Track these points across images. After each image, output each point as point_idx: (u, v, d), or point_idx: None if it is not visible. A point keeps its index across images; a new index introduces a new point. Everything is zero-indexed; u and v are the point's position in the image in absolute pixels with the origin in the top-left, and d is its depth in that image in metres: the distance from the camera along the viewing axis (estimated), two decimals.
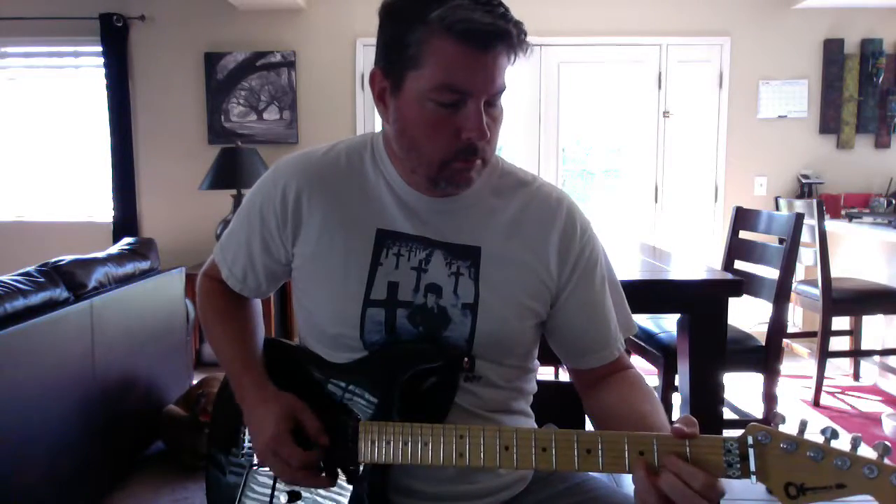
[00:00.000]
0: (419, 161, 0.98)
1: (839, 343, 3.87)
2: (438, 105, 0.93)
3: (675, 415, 2.31)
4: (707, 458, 0.81)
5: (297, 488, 1.04)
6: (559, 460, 0.87)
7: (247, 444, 1.12)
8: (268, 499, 1.07)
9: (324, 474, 0.99)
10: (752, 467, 0.79)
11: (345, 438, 0.98)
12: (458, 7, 0.89)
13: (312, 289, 1.07)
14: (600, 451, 0.85)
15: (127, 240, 2.93)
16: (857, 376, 3.83)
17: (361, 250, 1.03)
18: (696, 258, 3.45)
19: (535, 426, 1.16)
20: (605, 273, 1.12)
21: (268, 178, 1.10)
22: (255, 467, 1.10)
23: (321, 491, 1.01)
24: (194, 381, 3.02)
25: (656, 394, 1.06)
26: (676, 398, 2.27)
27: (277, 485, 1.06)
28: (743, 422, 2.63)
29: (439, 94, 0.92)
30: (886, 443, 0.74)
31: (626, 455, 0.84)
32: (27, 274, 2.15)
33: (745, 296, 2.14)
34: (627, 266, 2.29)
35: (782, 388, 3.17)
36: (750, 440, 0.80)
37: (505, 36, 0.90)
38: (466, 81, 0.91)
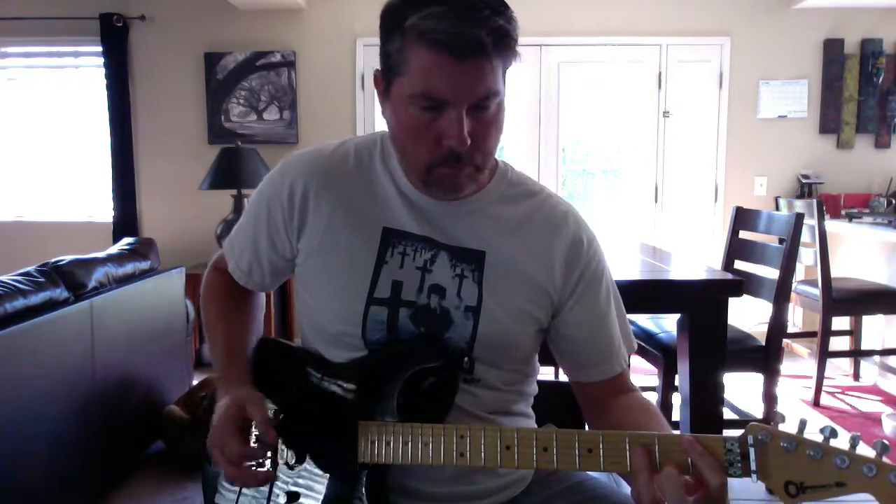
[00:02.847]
0: (408, 164, 1.00)
1: (839, 343, 3.87)
2: (420, 111, 0.93)
3: (676, 415, 2.31)
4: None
5: (295, 489, 1.04)
6: (560, 460, 0.87)
7: None
8: (265, 499, 1.07)
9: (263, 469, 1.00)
10: (753, 466, 0.80)
11: (344, 438, 0.98)
12: (432, 15, 0.87)
13: (316, 285, 1.07)
14: (602, 451, 0.85)
15: (127, 240, 2.93)
16: (857, 376, 3.83)
17: (367, 248, 1.04)
18: (696, 258, 3.45)
19: (536, 427, 1.16)
20: (609, 287, 1.11)
21: (276, 174, 1.11)
22: (252, 467, 1.10)
23: (320, 491, 1.01)
24: (194, 382, 3.02)
25: (664, 418, 1.03)
26: (676, 398, 2.27)
27: (276, 485, 1.06)
28: (743, 422, 2.63)
29: (418, 102, 0.92)
30: (885, 441, 0.74)
31: (628, 454, 0.84)
32: (27, 274, 2.15)
33: (745, 296, 2.14)
34: (627, 266, 2.29)
35: (782, 388, 3.17)
36: (750, 439, 0.80)
37: (476, 45, 0.88)
38: (442, 90, 0.90)
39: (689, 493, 0.80)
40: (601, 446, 0.85)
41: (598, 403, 1.10)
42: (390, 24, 0.93)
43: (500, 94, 0.95)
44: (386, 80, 0.97)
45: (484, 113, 0.94)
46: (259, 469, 1.00)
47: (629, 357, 1.14)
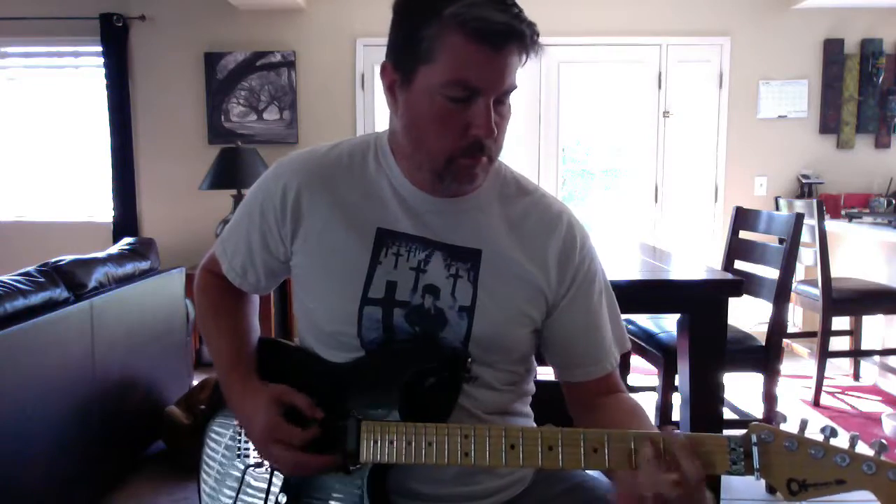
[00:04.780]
0: (426, 156, 0.98)
1: (839, 343, 3.87)
2: (448, 100, 0.93)
3: (676, 415, 2.31)
4: (712, 455, 0.82)
5: (295, 487, 1.04)
6: (566, 459, 0.87)
7: (243, 445, 1.11)
8: (263, 500, 1.06)
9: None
10: (756, 464, 0.80)
11: (345, 439, 0.98)
12: (474, 4, 0.89)
13: (311, 286, 1.07)
14: (606, 450, 0.86)
15: (127, 240, 2.93)
16: (857, 376, 3.83)
17: (361, 249, 1.04)
18: (696, 258, 3.45)
19: (535, 426, 1.16)
20: (602, 287, 1.12)
21: (270, 175, 1.11)
22: (251, 468, 1.10)
23: (322, 489, 1.01)
24: (194, 382, 3.03)
25: (651, 419, 1.05)
26: (676, 398, 2.27)
27: (274, 485, 1.06)
28: (743, 422, 2.63)
29: (450, 90, 0.92)
30: (883, 441, 0.76)
31: (633, 452, 0.85)
32: (27, 274, 2.16)
33: (745, 296, 2.14)
34: (627, 266, 2.29)
35: (782, 388, 3.17)
36: (753, 438, 0.81)
37: (518, 36, 0.91)
38: (478, 78, 0.92)
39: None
40: (606, 445, 0.86)
41: (585, 402, 1.10)
42: (423, 11, 0.92)
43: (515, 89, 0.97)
44: (406, 68, 0.95)
45: (502, 106, 0.97)
46: (319, 455, 0.99)
47: (620, 357, 1.14)
